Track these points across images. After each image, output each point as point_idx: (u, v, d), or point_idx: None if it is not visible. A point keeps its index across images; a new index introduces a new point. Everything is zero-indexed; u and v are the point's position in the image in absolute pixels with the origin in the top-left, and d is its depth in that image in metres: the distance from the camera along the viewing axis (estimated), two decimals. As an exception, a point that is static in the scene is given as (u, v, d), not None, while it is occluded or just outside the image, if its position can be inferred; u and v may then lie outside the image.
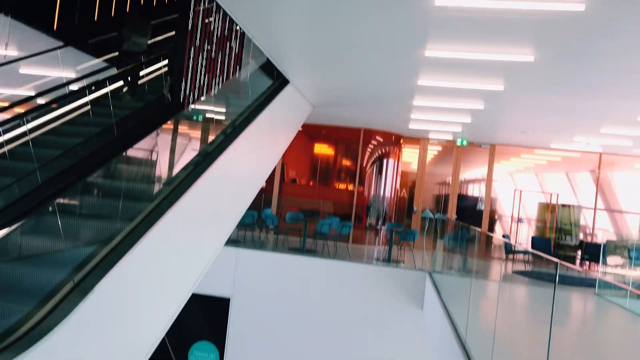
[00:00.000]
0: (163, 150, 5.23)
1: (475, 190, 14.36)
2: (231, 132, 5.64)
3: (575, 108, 7.48)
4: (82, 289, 3.19)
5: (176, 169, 5.22)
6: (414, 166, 13.19)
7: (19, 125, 4.34)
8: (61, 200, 3.64)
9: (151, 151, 4.94)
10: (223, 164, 5.11)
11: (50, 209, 3.24)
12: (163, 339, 10.26)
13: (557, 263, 2.92)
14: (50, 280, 3.31)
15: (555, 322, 3.25)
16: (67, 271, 3.34)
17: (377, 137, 12.65)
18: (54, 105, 5.14)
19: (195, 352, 9.68)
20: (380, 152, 12.97)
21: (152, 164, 5.06)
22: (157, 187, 4.99)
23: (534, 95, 6.97)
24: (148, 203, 4.23)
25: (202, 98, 5.12)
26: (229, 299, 9.44)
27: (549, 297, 3.24)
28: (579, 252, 11.89)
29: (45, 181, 3.76)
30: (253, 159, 6.58)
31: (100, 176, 4.41)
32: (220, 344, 9.55)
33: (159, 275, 4.26)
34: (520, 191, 13.72)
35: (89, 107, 5.00)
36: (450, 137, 12.28)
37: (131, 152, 4.58)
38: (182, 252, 4.69)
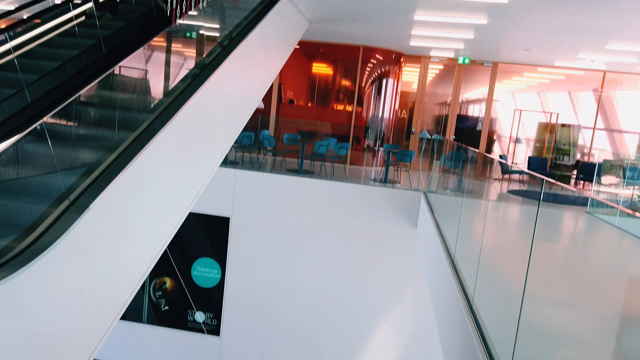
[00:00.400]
0: (154, 68, 5.09)
1: (475, 111, 14.19)
2: (224, 48, 5.46)
3: (582, 22, 7.18)
4: (79, 206, 3.25)
5: (169, 86, 5.11)
6: (414, 86, 12.93)
7: (3, 42, 4.18)
8: (51, 120, 3.60)
9: (144, 71, 4.81)
10: (216, 82, 5.00)
11: (38, 127, 3.21)
12: (168, 256, 10.64)
13: (542, 180, 2.95)
14: (45, 198, 3.36)
15: (544, 238, 3.34)
16: (61, 190, 3.37)
17: (377, 56, 12.28)
18: (37, 21, 4.91)
19: (197, 267, 10.11)
20: (379, 71, 12.65)
21: (145, 82, 4.95)
22: (151, 105, 4.92)
23: (539, 9, 6.66)
24: (142, 121, 4.18)
25: (191, 12, 4.89)
26: (229, 218, 9.69)
27: (540, 215, 3.31)
28: (575, 172, 12.00)
29: (35, 100, 3.69)
30: (247, 78, 6.43)
31: (92, 94, 4.32)
32: (221, 260, 9.95)
33: (156, 193, 4.32)
34: (520, 111, 13.56)
35: (77, 20, 4.78)
36: (452, 55, 11.93)
37: (122, 70, 4.46)
38: (179, 170, 4.72)
